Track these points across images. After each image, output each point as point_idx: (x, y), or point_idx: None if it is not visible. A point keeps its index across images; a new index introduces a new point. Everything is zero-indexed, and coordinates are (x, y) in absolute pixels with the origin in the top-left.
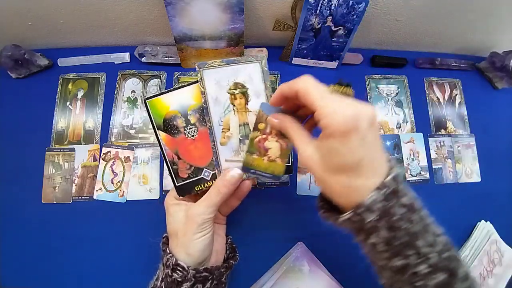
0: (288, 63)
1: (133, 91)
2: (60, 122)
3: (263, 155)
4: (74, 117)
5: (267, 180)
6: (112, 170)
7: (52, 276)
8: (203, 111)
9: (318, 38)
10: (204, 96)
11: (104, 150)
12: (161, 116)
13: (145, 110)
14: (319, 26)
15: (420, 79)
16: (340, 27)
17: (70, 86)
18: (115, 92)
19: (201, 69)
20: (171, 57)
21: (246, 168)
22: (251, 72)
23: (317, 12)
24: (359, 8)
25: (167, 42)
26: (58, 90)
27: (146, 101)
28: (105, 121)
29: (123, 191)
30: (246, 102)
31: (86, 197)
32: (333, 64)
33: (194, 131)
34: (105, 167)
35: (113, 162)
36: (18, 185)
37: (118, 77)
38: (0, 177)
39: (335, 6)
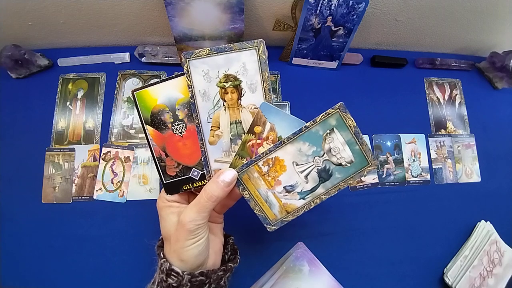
0: (288, 63)
1: None
2: (60, 122)
3: None
4: (74, 117)
5: None
6: (112, 170)
7: (52, 276)
8: (191, 107)
9: (318, 38)
10: (191, 90)
11: (104, 150)
12: (148, 110)
13: (133, 102)
14: (319, 26)
15: (420, 79)
16: (340, 27)
17: (70, 86)
18: (115, 92)
19: (187, 60)
20: (171, 57)
21: None
22: (246, 61)
23: (317, 12)
24: (359, 8)
25: (167, 42)
26: (58, 90)
27: (134, 92)
28: (105, 121)
29: (123, 191)
30: (239, 97)
31: (86, 197)
32: (333, 64)
33: (182, 128)
34: (105, 167)
35: (113, 162)
36: (18, 185)
37: (118, 77)
38: (0, 177)
39: (335, 6)
